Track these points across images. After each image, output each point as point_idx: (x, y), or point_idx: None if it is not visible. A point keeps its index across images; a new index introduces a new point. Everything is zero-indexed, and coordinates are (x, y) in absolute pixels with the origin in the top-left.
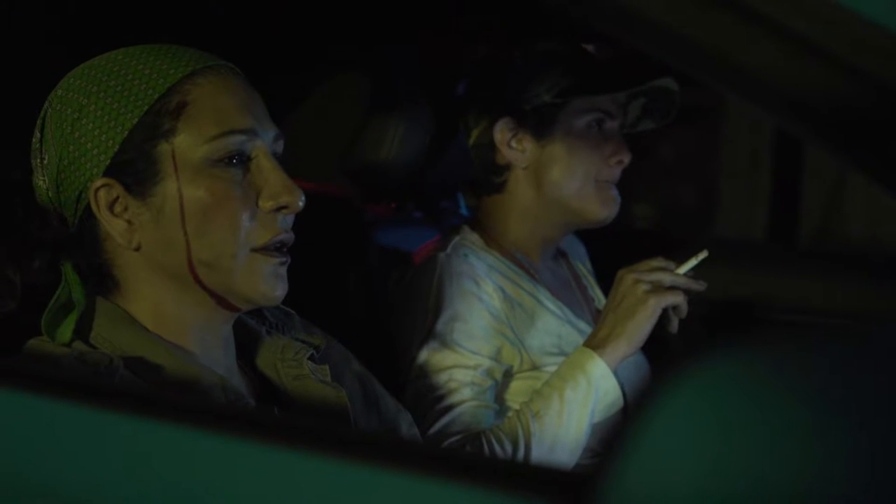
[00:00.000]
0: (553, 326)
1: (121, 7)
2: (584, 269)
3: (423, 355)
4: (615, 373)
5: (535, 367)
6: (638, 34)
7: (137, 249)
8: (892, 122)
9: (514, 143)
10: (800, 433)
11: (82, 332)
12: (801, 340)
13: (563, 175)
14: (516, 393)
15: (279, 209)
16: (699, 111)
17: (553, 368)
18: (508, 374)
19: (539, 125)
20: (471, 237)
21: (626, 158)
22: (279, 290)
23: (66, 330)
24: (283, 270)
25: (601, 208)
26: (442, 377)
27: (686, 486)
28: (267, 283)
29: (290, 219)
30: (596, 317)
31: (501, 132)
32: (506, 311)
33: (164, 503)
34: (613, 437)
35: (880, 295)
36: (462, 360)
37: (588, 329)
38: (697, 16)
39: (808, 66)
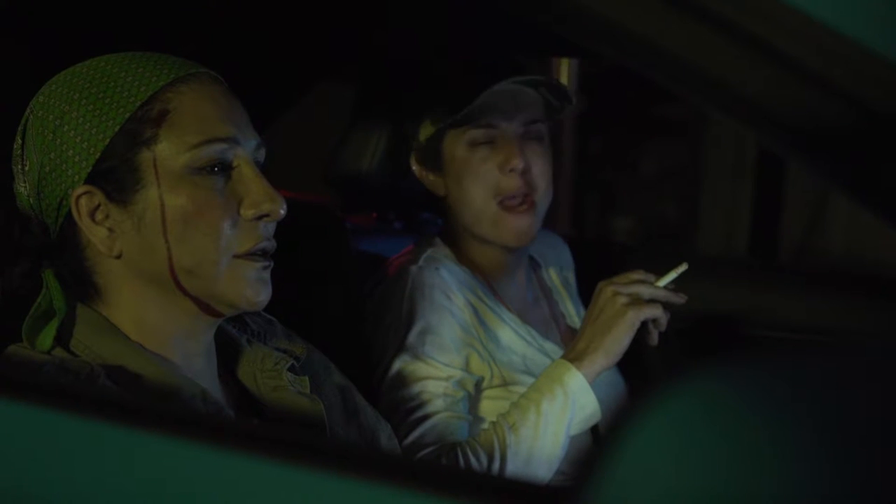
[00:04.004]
0: (517, 346)
1: (103, 13)
2: (559, 279)
3: (396, 367)
4: (593, 387)
5: (505, 383)
6: (622, 49)
7: (119, 257)
8: (872, 140)
9: (427, 175)
10: (768, 454)
11: (63, 339)
12: (776, 360)
13: (462, 202)
14: (488, 411)
15: (261, 217)
16: (680, 126)
17: (521, 386)
18: (479, 387)
19: (432, 156)
20: (443, 250)
21: (519, 163)
22: (263, 295)
23: (47, 337)
24: (267, 275)
25: (505, 232)
26: (415, 389)
27: (662, 500)
28: (251, 287)
29: (272, 226)
30: (565, 333)
31: (416, 166)
32: (475, 325)
33: None
34: (589, 455)
35: (859, 311)
36: (434, 372)
37: (555, 349)
38: (681, 32)
39: (789, 84)
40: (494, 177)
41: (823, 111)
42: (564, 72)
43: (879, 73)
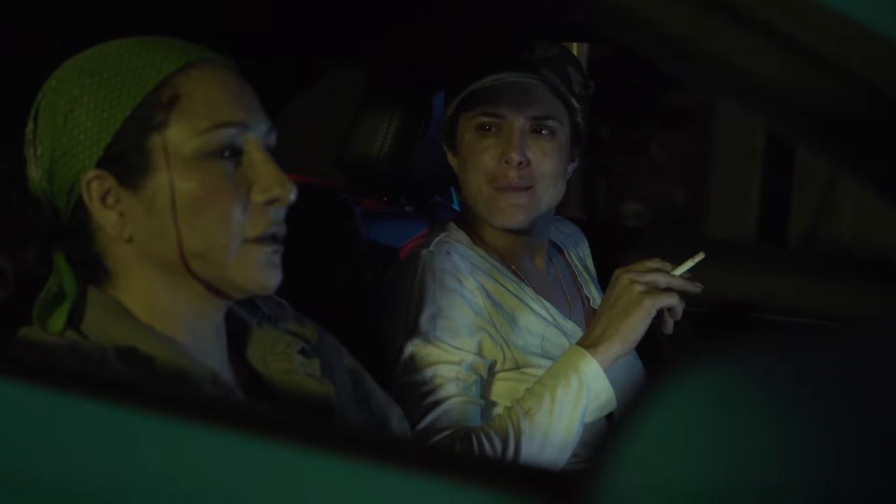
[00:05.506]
0: (536, 327)
1: None
2: (582, 265)
3: (408, 351)
4: (608, 373)
5: (518, 367)
6: (632, 36)
7: (129, 241)
8: (883, 127)
9: (448, 152)
10: (778, 439)
11: (74, 321)
12: (786, 345)
13: (463, 183)
14: (500, 394)
15: (271, 202)
16: (690, 111)
17: (536, 370)
18: (492, 371)
19: (450, 137)
20: (456, 235)
21: (516, 156)
22: (273, 279)
23: (58, 320)
24: (277, 259)
25: (496, 215)
26: (427, 373)
27: (673, 486)
28: (261, 271)
29: (282, 211)
30: (591, 315)
31: (443, 144)
32: (488, 308)
33: (152, 494)
34: (604, 438)
35: (869, 296)
36: (446, 356)
37: (575, 330)
38: (692, 19)
39: (799, 69)
40: (492, 166)
41: (834, 98)
42: None
43: (891, 60)
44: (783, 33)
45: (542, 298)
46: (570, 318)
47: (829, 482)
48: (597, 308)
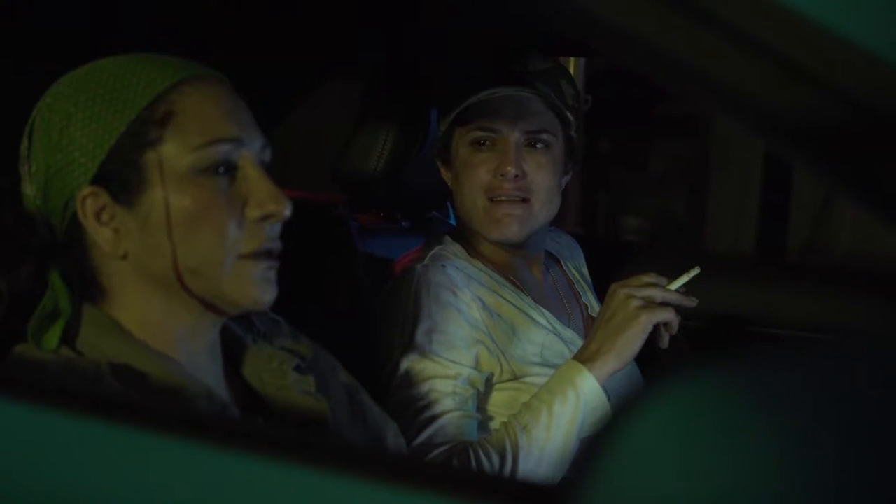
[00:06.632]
0: (535, 336)
1: (110, 14)
2: (578, 274)
3: (404, 366)
4: (604, 387)
5: (515, 377)
6: (625, 50)
7: (124, 257)
8: (873, 142)
9: (441, 167)
10: (767, 450)
11: (69, 338)
12: (778, 356)
13: (458, 197)
14: (498, 404)
15: (265, 218)
16: (689, 123)
17: (534, 378)
18: (489, 384)
19: (444, 152)
20: (452, 248)
21: (512, 170)
22: (268, 295)
23: (53, 337)
24: (273, 275)
25: (491, 228)
26: (423, 388)
27: (659, 497)
28: (256, 287)
29: (278, 227)
30: (589, 323)
31: (436, 159)
32: (485, 320)
33: None
34: (593, 445)
35: (866, 309)
36: (442, 371)
37: (574, 338)
38: (683, 34)
39: (790, 86)
40: (487, 179)
41: (824, 113)
42: (571, 71)
43: (880, 75)
44: (773, 50)
45: (541, 307)
46: (569, 327)
47: (820, 495)
48: (595, 316)
